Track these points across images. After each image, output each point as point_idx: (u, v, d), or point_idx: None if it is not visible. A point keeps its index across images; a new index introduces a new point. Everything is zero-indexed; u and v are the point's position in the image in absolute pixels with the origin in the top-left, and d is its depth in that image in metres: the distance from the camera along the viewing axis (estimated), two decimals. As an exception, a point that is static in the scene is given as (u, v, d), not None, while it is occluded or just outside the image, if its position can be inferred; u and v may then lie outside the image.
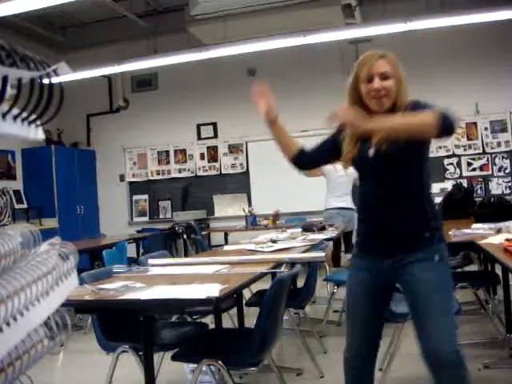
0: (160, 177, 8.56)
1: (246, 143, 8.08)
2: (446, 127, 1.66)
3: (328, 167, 5.18)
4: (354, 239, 2.16)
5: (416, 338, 1.84)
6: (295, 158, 2.14)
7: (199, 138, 8.39)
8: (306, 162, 2.18)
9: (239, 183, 8.14)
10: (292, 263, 2.94)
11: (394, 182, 1.87)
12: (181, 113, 8.36)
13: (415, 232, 1.86)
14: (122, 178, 8.73)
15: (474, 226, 3.82)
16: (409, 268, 1.84)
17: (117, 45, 7.94)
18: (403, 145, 1.76)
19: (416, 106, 1.83)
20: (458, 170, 7.34)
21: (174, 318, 3.07)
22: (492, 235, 3.25)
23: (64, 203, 7.83)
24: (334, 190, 5.58)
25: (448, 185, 7.04)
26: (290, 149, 2.16)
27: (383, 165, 1.87)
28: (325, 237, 4.24)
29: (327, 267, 5.09)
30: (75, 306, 2.13)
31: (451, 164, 7.37)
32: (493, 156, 7.24)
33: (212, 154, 8.33)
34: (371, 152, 1.87)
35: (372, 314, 1.95)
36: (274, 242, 3.82)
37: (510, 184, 7.16)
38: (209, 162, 8.32)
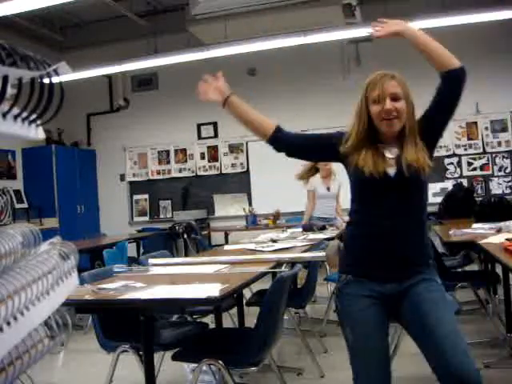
0: (160, 176, 8.56)
1: (247, 143, 8.08)
2: (464, 71, 1.82)
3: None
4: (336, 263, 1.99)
5: (429, 360, 1.70)
6: (273, 135, 1.97)
7: (199, 137, 8.39)
8: (286, 141, 1.99)
9: (239, 183, 8.14)
10: (292, 263, 2.94)
11: (409, 203, 1.81)
12: (181, 112, 8.36)
13: (422, 256, 1.83)
14: (122, 177, 8.73)
15: (475, 225, 3.82)
16: (413, 290, 1.78)
17: (117, 44, 7.94)
18: (415, 167, 1.77)
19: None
20: (458, 170, 7.34)
21: (174, 318, 3.07)
22: (492, 235, 3.25)
23: (64, 203, 7.83)
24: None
25: (448, 184, 7.04)
26: (263, 126, 2.00)
27: (402, 185, 1.79)
28: (325, 236, 4.25)
29: (327, 267, 5.09)
30: (75, 306, 2.16)
31: (451, 164, 7.36)
32: (493, 156, 7.24)
33: (212, 154, 8.33)
34: (392, 171, 1.80)
35: (385, 345, 1.79)
36: (275, 241, 3.82)
37: (510, 184, 7.16)
38: (209, 161, 8.32)
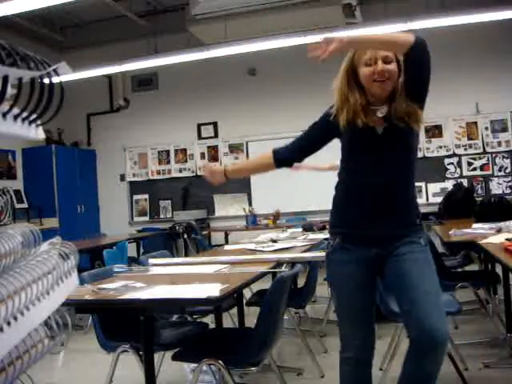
0: (160, 176, 8.56)
1: (247, 143, 8.08)
2: (421, 41, 1.75)
3: None
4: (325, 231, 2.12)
5: (405, 317, 1.80)
6: (277, 161, 2.07)
7: (200, 137, 8.39)
8: (289, 155, 2.07)
9: (240, 183, 8.12)
10: (292, 263, 2.94)
11: (397, 161, 1.86)
12: (181, 112, 8.37)
13: (410, 218, 1.88)
14: (122, 177, 8.73)
15: (475, 225, 3.81)
16: (397, 251, 1.84)
17: (117, 44, 7.95)
18: (407, 121, 1.80)
19: None
20: (458, 170, 7.34)
21: (174, 318, 3.07)
22: (492, 235, 3.25)
23: (64, 203, 7.83)
24: None
25: (448, 184, 7.03)
26: (264, 163, 2.13)
27: (390, 143, 1.85)
28: (325, 236, 4.24)
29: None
30: (76, 306, 2.15)
31: (451, 164, 7.36)
32: (493, 156, 7.24)
33: (212, 154, 8.33)
34: (380, 129, 1.85)
35: (369, 305, 1.93)
36: (275, 241, 3.82)
37: (510, 184, 7.16)
38: (209, 161, 8.32)
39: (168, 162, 8.51)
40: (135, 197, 8.70)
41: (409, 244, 1.85)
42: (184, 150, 8.45)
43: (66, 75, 0.81)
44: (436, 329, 1.67)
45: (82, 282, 2.39)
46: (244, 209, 7.15)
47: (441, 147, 7.31)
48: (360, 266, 1.88)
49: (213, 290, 2.05)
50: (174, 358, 2.35)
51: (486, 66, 7.00)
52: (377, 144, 1.85)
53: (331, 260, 1.96)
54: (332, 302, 2.04)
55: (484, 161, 7.26)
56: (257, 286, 3.41)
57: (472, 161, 7.30)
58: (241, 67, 7.83)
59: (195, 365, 2.36)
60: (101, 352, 2.65)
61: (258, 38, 6.35)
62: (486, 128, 7.23)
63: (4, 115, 0.72)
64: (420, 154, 7.02)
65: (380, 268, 1.90)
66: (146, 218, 8.59)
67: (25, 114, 0.77)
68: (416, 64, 1.78)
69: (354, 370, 1.93)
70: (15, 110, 0.75)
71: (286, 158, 2.07)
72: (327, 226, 4.85)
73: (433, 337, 1.67)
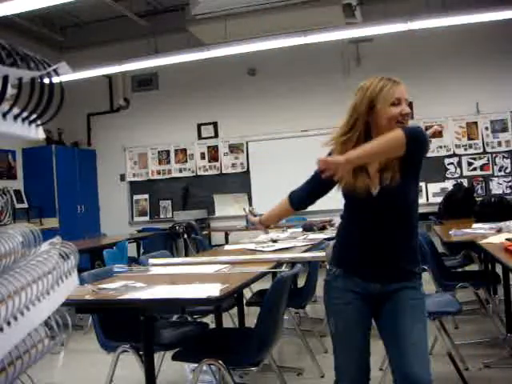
0: (160, 176, 8.56)
1: (247, 143, 8.08)
2: (412, 136, 1.70)
3: None
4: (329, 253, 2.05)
5: (391, 360, 1.83)
6: (293, 207, 2.25)
7: (200, 137, 8.39)
8: (302, 199, 2.21)
9: (240, 183, 8.14)
10: (292, 263, 2.94)
11: (396, 218, 1.84)
12: (181, 112, 8.37)
13: (409, 265, 1.87)
14: (122, 177, 8.73)
15: (475, 225, 3.81)
16: (395, 295, 1.85)
17: (117, 44, 7.95)
18: (404, 180, 1.79)
19: None
20: (458, 170, 7.34)
21: (174, 318, 3.07)
22: (492, 235, 3.25)
23: (64, 203, 7.84)
24: None
25: (448, 184, 7.03)
26: (286, 208, 2.29)
27: (386, 202, 1.82)
28: (325, 236, 4.24)
29: (328, 266, 5.08)
30: (76, 306, 2.15)
31: (452, 164, 7.36)
32: (493, 156, 7.24)
33: (212, 154, 8.33)
34: (375, 191, 1.82)
35: (366, 341, 1.90)
36: (275, 241, 3.82)
37: (510, 184, 7.16)
38: (209, 161, 8.32)
39: (168, 162, 8.51)
40: (135, 197, 8.70)
41: (409, 289, 1.86)
42: (184, 150, 8.45)
43: (66, 75, 0.81)
44: (420, 379, 1.72)
45: (82, 281, 2.39)
46: (244, 209, 7.14)
47: (441, 147, 7.30)
48: (361, 298, 1.87)
49: (213, 289, 2.05)
50: (174, 358, 2.35)
51: (486, 66, 7.00)
52: (373, 204, 1.83)
53: (332, 287, 1.94)
54: (328, 326, 1.96)
55: (484, 161, 7.26)
56: (257, 286, 3.41)
57: (472, 161, 7.30)
58: (241, 67, 7.83)
59: (195, 365, 2.36)
60: (101, 352, 2.65)
61: (258, 37, 6.35)
62: (486, 128, 7.23)
63: (4, 115, 0.72)
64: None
65: (376, 305, 1.89)
66: (146, 218, 8.59)
67: (25, 114, 0.77)
68: (413, 153, 1.76)
69: None
70: (15, 110, 0.75)
71: (302, 204, 2.22)
72: (327, 226, 4.88)
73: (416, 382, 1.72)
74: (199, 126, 8.37)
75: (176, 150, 8.49)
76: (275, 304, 2.32)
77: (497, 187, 7.18)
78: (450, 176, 7.33)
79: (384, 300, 1.87)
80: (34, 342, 0.80)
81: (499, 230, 3.39)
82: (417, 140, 1.74)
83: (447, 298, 3.04)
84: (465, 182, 7.11)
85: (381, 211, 1.83)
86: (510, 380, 2.96)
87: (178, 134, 8.38)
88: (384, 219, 1.84)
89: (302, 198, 2.20)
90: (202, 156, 8.36)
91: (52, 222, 7.46)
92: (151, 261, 3.10)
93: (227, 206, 8.08)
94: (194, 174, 8.37)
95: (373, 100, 1.81)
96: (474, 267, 4.61)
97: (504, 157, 7.20)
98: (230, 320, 3.77)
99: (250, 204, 7.72)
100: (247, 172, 8.12)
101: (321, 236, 4.25)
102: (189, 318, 3.11)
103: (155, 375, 2.36)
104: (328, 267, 2.00)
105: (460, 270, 4.32)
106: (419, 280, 1.90)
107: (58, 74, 0.79)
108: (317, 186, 2.09)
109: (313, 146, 7.40)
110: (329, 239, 4.19)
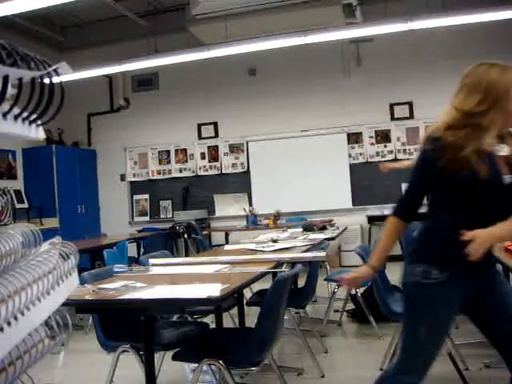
0: (161, 176, 8.57)
1: (247, 143, 8.08)
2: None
3: None
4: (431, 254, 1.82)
5: (500, 343, 1.80)
6: (404, 221, 1.89)
7: (200, 137, 8.39)
8: (414, 210, 1.89)
9: (240, 183, 8.14)
10: (293, 263, 2.94)
11: (509, 212, 1.72)
12: (181, 112, 8.37)
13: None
14: (122, 177, 8.73)
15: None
16: (493, 281, 1.84)
17: (117, 44, 7.95)
18: None
19: None
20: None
21: (174, 318, 3.07)
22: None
23: (65, 203, 7.84)
24: None
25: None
26: (397, 230, 1.92)
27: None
28: (325, 236, 4.25)
29: (328, 267, 5.09)
30: (76, 306, 2.15)
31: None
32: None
33: (213, 154, 8.33)
34: (507, 178, 1.72)
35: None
36: (275, 241, 3.82)
37: (510, 184, 7.15)
38: (209, 161, 8.33)
39: (168, 162, 8.52)
40: (135, 197, 8.70)
41: (498, 274, 1.89)
42: (184, 150, 8.45)
43: (66, 75, 0.81)
44: None
45: (82, 281, 2.39)
46: (244, 209, 7.15)
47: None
48: (460, 300, 1.80)
49: (213, 289, 2.05)
50: (175, 357, 2.35)
51: (486, 66, 6.99)
52: (501, 194, 1.71)
53: (441, 294, 1.77)
54: (408, 327, 1.83)
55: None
56: (257, 286, 3.41)
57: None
58: (241, 67, 7.83)
59: (195, 365, 2.36)
60: (101, 352, 2.65)
61: (258, 38, 6.35)
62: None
63: (4, 115, 0.72)
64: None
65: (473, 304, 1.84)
66: (147, 218, 8.59)
67: (25, 114, 0.77)
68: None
69: None
70: (16, 110, 0.75)
71: (413, 215, 1.90)
72: (327, 226, 4.88)
73: None
74: (199, 126, 8.37)
75: (176, 150, 8.49)
76: (275, 304, 2.32)
77: (497, 187, 7.17)
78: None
79: (484, 290, 1.81)
80: (35, 342, 0.80)
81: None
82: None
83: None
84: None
85: (506, 200, 1.73)
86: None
87: (178, 134, 8.38)
88: (500, 214, 1.70)
89: (412, 207, 1.89)
90: (202, 156, 8.37)
91: (52, 222, 7.46)
92: (151, 261, 3.10)
93: (227, 206, 8.08)
94: (194, 174, 8.38)
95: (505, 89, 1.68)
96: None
97: (504, 157, 7.19)
98: (230, 320, 3.77)
99: (250, 204, 7.73)
100: (247, 172, 8.12)
101: (321, 236, 4.25)
102: (189, 318, 3.11)
103: (155, 375, 2.36)
104: (422, 269, 1.77)
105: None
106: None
107: (58, 74, 0.79)
108: (423, 195, 1.87)
109: (313, 146, 7.42)
110: (329, 239, 4.20)
